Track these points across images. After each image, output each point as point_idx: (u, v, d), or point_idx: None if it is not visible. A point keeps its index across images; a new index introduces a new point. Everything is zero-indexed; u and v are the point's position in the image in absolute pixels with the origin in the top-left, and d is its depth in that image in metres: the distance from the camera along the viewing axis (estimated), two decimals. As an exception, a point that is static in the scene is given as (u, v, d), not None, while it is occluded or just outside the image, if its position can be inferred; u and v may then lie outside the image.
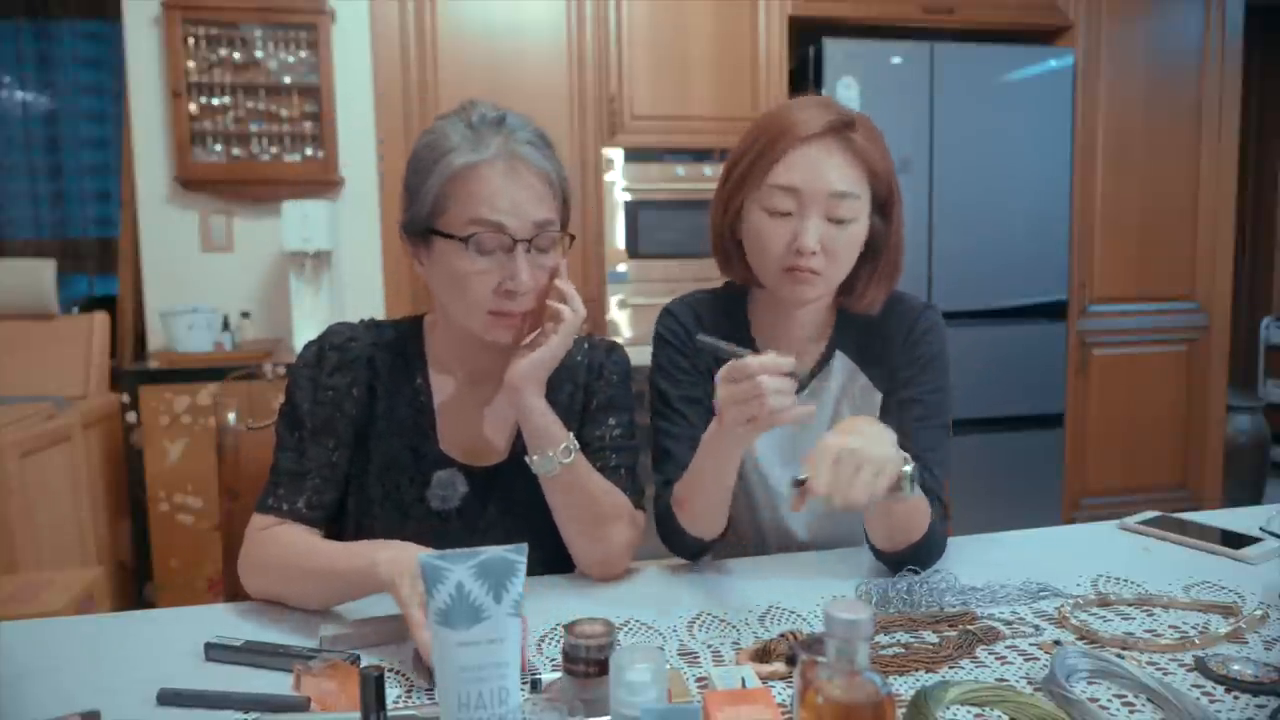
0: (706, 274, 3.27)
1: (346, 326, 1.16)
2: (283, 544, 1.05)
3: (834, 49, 3.29)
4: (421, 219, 1.05)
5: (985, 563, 1.17)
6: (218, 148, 3.08)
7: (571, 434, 1.08)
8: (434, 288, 1.10)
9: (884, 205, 1.18)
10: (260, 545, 1.06)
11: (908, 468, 1.01)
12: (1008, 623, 0.99)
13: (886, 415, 1.22)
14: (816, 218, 1.11)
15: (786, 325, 1.26)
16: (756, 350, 1.25)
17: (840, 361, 1.26)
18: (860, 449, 0.91)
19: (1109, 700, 0.81)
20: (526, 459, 1.07)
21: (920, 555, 1.11)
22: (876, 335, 1.25)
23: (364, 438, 1.13)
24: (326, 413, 1.10)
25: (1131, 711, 0.79)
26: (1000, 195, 3.48)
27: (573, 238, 1.11)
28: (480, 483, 1.14)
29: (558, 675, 0.81)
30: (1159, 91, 3.67)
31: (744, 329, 1.28)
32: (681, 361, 1.26)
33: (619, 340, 1.78)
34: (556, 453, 1.06)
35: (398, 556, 0.93)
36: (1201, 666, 0.86)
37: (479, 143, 1.03)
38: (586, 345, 1.24)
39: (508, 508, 1.14)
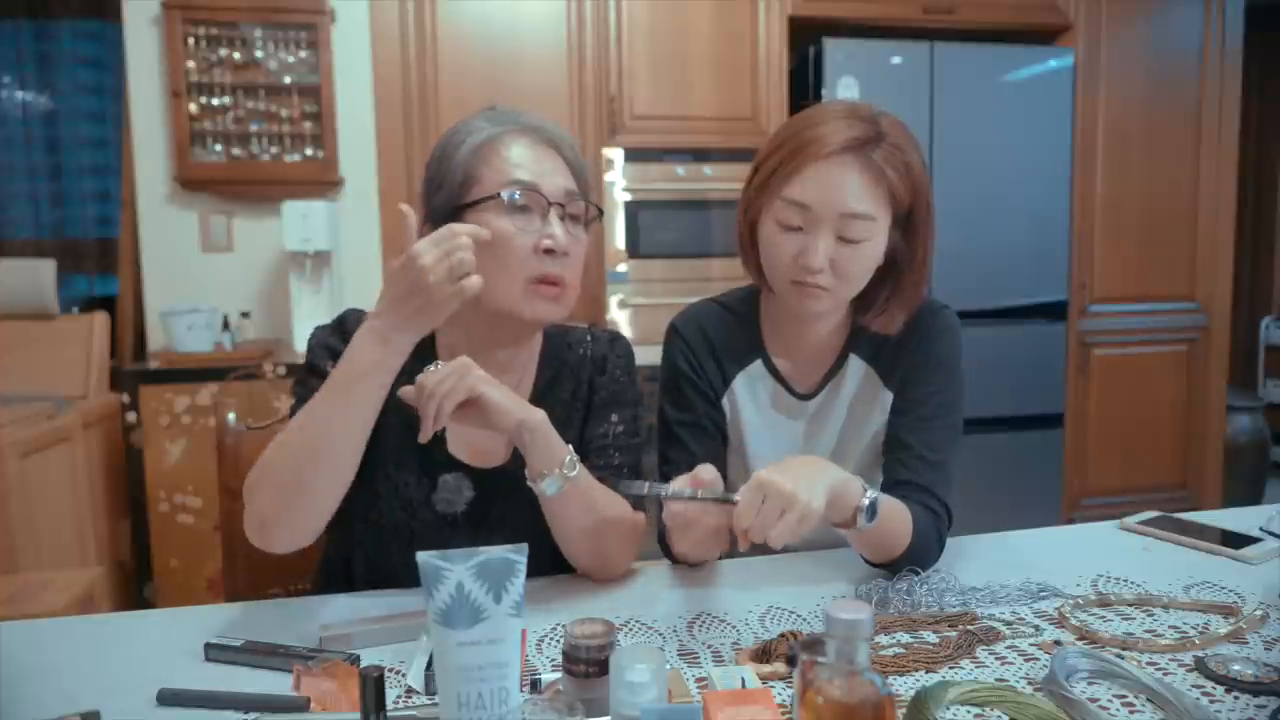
0: (706, 274, 3.27)
1: (364, 314, 1.13)
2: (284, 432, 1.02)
3: (834, 49, 3.30)
4: (451, 197, 1.06)
5: (985, 563, 1.17)
6: (218, 148, 3.08)
7: (570, 446, 1.05)
8: None
9: (907, 223, 1.16)
10: (261, 456, 1.02)
11: (865, 500, 0.99)
12: (1008, 623, 0.99)
13: (895, 414, 1.22)
14: (826, 236, 1.10)
15: (799, 333, 1.25)
16: (768, 358, 1.25)
17: (854, 364, 1.25)
18: (791, 493, 0.90)
19: (1109, 700, 0.81)
20: (530, 484, 1.04)
21: (913, 561, 1.10)
22: (891, 335, 1.24)
23: (378, 429, 1.09)
24: None
25: (1131, 712, 0.79)
26: (1000, 195, 3.48)
27: (601, 211, 1.14)
28: (485, 485, 1.13)
29: (558, 675, 0.81)
30: (1159, 91, 3.67)
31: (756, 338, 1.28)
32: (684, 385, 1.25)
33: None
34: (562, 469, 1.02)
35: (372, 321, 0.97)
36: (1201, 666, 0.86)
37: (499, 121, 1.09)
38: (589, 338, 1.22)
39: (511, 509, 1.13)
